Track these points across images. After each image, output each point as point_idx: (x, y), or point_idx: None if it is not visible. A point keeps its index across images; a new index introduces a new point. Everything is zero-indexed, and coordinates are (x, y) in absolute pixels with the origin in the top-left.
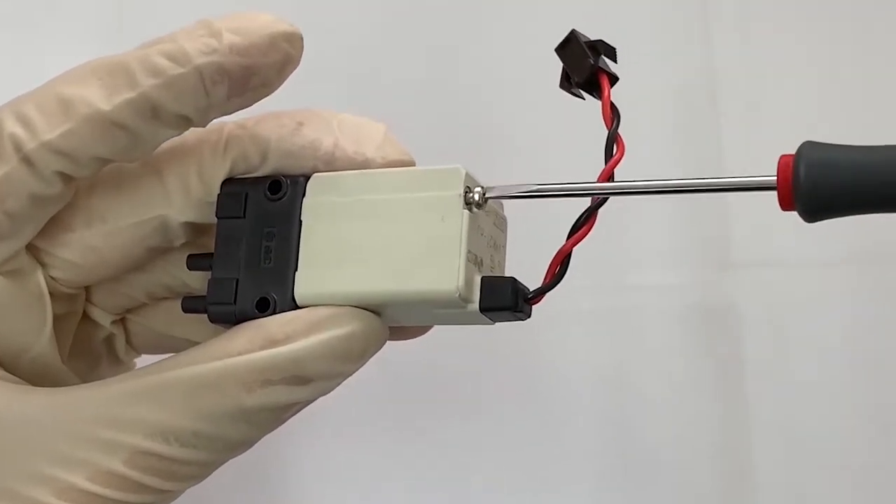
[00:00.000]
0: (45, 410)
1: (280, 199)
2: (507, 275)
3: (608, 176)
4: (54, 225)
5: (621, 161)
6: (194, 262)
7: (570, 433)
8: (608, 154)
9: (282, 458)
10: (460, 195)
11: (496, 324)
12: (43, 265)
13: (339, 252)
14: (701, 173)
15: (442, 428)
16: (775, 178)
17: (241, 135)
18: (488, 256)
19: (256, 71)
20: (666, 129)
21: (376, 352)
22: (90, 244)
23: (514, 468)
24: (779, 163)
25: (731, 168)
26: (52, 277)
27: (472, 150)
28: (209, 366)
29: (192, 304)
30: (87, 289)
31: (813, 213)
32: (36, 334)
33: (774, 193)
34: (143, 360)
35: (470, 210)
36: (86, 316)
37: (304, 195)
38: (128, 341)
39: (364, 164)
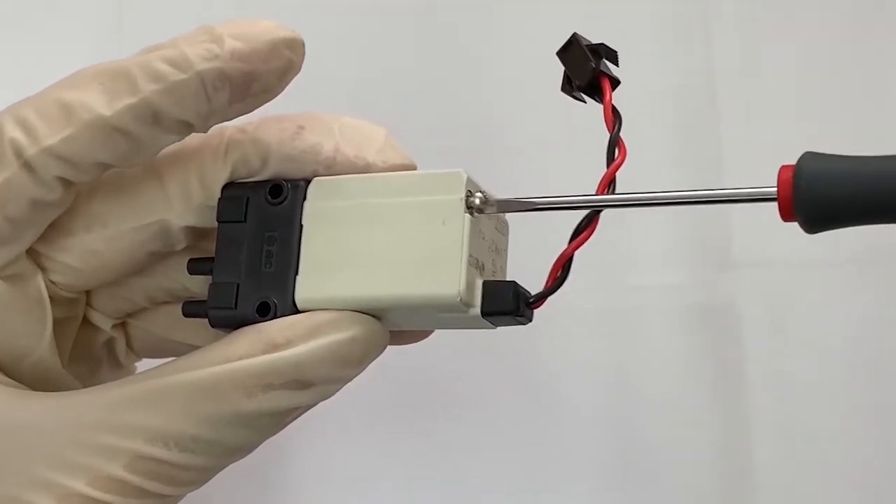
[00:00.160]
0: (46, 415)
1: (281, 203)
2: (508, 279)
3: (610, 180)
4: (54, 229)
5: (623, 165)
6: (195, 267)
7: (570, 433)
8: (610, 158)
9: (282, 458)
10: (462, 199)
11: (498, 328)
12: (43, 269)
13: (340, 256)
14: (701, 174)
15: (442, 429)
16: (775, 189)
17: (242, 139)
18: (490, 260)
19: (258, 77)
20: (666, 130)
21: (377, 356)
22: (91, 248)
23: (514, 468)
24: (779, 174)
25: (731, 168)
26: (52, 282)
27: (474, 154)
28: (209, 370)
29: (192, 308)
30: (88, 293)
31: (814, 224)
32: (36, 339)
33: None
34: (144, 364)
35: (471, 214)
36: (86, 320)
37: (304, 199)
38: (128, 345)
39: (365, 169)
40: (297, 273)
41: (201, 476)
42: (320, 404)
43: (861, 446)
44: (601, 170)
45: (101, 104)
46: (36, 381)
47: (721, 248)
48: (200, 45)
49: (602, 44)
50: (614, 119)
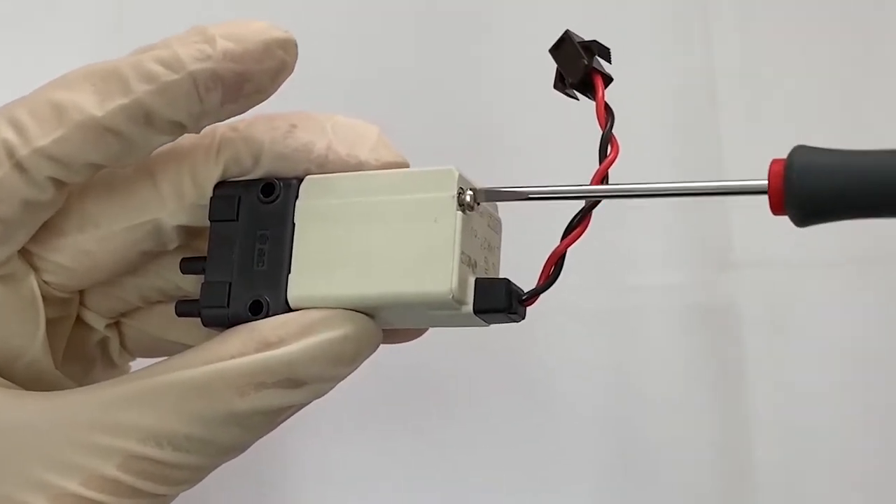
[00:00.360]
0: (39, 415)
1: (273, 201)
2: (501, 276)
3: (602, 177)
4: (47, 229)
5: (615, 162)
6: (187, 266)
7: (569, 433)
8: (602, 155)
9: (280, 458)
10: (454, 196)
11: (491, 325)
12: (36, 269)
13: (333, 254)
14: (700, 174)
15: (441, 428)
16: (766, 182)
17: (234, 137)
18: (482, 258)
19: (250, 77)
20: (665, 129)
21: (370, 355)
22: (83, 248)
23: (513, 468)
24: (770, 168)
25: (731, 168)
26: (45, 282)
27: (473, 154)
28: (202, 369)
29: (185, 307)
30: (81, 293)
31: (804, 218)
32: (29, 339)
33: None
34: (138, 364)
35: (463, 211)
36: (80, 320)
37: (297, 197)
38: (122, 345)
39: (357, 167)
40: (289, 271)
41: (195, 475)
42: (317, 403)
43: (861, 446)
44: (596, 167)
45: (92, 105)
46: (29, 380)
47: (721, 248)
48: (193, 45)
49: (594, 41)
50: (607, 116)
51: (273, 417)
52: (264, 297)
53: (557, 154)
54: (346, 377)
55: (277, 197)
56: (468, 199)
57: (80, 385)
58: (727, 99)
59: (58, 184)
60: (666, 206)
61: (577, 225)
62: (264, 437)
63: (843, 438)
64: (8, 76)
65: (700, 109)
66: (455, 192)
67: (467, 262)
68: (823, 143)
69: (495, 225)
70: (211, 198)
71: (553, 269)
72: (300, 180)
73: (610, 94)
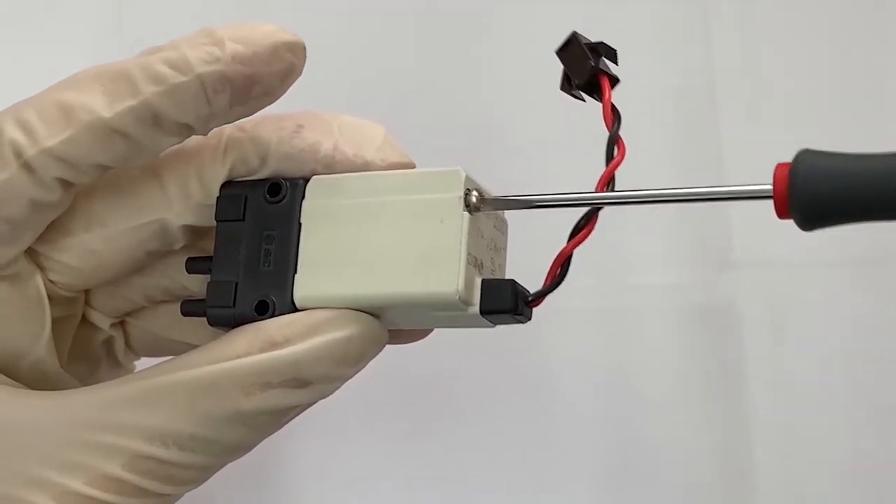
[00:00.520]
0: (44, 414)
1: (279, 201)
2: (507, 277)
3: (609, 178)
4: (53, 229)
5: (622, 164)
6: (193, 266)
7: (569, 433)
8: (609, 156)
9: (282, 457)
10: (460, 197)
11: (497, 326)
12: (42, 269)
13: (339, 255)
14: (701, 174)
15: (441, 428)
16: (771, 186)
17: (241, 137)
18: (489, 259)
19: (259, 80)
20: (666, 130)
21: (375, 355)
22: (89, 248)
23: (513, 468)
24: (775, 172)
25: (731, 169)
26: (50, 281)
27: (473, 154)
28: (208, 369)
29: (191, 307)
30: (87, 292)
31: (810, 222)
32: (35, 338)
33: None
34: (143, 364)
35: (470, 212)
36: (85, 319)
37: (303, 198)
38: (127, 344)
39: (364, 167)
40: (295, 272)
41: (200, 475)
42: (320, 403)
43: (861, 446)
44: (601, 169)
45: (101, 106)
46: (35, 380)
47: (721, 248)
48: (201, 47)
49: (601, 42)
50: (613, 117)
51: (279, 417)
52: (270, 297)
53: (558, 154)
54: (351, 377)
55: (284, 197)
56: (474, 199)
57: (86, 384)
58: (727, 99)
59: (65, 184)
60: (666, 206)
61: (584, 226)
62: (269, 437)
63: (843, 438)
64: (8, 76)
65: (700, 109)
66: (462, 193)
67: (474, 262)
68: (823, 144)
69: (501, 226)
70: (217, 198)
71: (559, 270)
72: (306, 180)
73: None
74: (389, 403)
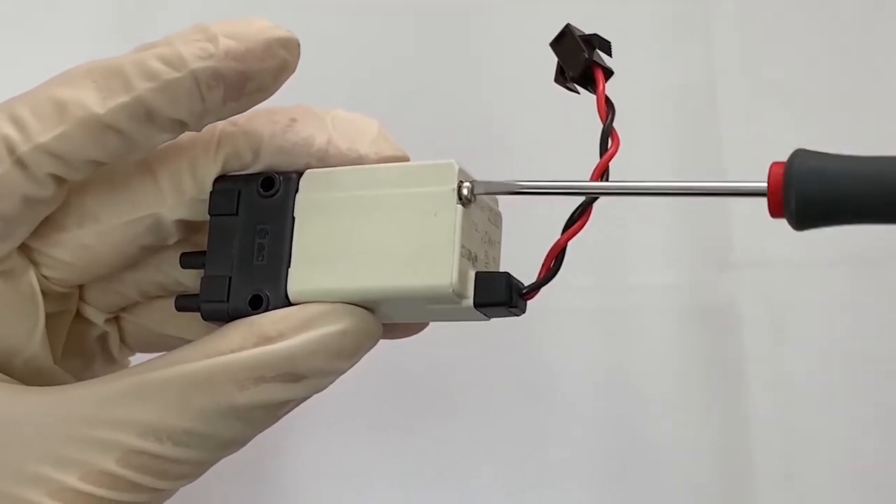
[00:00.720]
0: (38, 410)
1: (273, 195)
2: (501, 270)
3: (603, 170)
4: (47, 225)
5: (616, 155)
6: (187, 260)
7: (569, 433)
8: (603, 148)
9: (278, 454)
10: (454, 190)
11: (495, 322)
12: (35, 264)
13: (333, 248)
14: (700, 173)
15: (439, 426)
16: (766, 184)
17: (234, 132)
18: (483, 252)
19: (252, 76)
20: (665, 129)
21: (370, 349)
22: (83, 243)
23: (512, 467)
24: (770, 170)
25: (731, 168)
26: (44, 276)
27: (468, 151)
28: (202, 364)
29: (185, 302)
30: (81, 287)
31: (803, 222)
32: (28, 334)
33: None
34: (138, 359)
35: (464, 205)
36: (79, 314)
37: (297, 191)
38: (122, 340)
39: (358, 161)
40: (289, 266)
41: (194, 470)
42: (315, 399)
43: (861, 446)
44: (596, 162)
45: (94, 102)
46: (29, 376)
47: (721, 248)
48: (195, 43)
49: (595, 34)
50: (607, 109)
51: (273, 411)
52: (264, 292)
53: (557, 154)
54: (345, 371)
55: (277, 191)
56: (466, 192)
57: (80, 380)
58: (727, 99)
59: (58, 180)
60: (666, 205)
61: (578, 219)
62: (264, 433)
63: (843, 438)
64: (8, 76)
65: (700, 109)
66: (455, 186)
67: (468, 255)
68: (823, 144)
69: (496, 219)
70: (211, 192)
71: (553, 262)
72: (300, 174)
73: (610, 94)
74: (385, 399)
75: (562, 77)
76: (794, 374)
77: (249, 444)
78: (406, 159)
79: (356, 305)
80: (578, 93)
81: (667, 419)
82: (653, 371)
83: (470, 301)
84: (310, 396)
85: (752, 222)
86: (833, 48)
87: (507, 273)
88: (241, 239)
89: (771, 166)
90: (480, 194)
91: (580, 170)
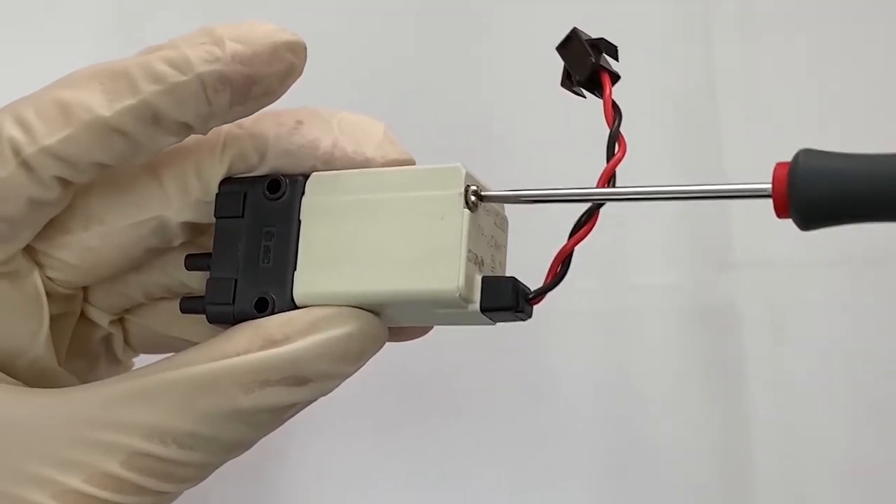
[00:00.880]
0: (42, 412)
1: (279, 198)
2: (507, 275)
3: (609, 175)
4: (52, 227)
5: (623, 160)
6: (193, 263)
7: (569, 433)
8: (610, 153)
9: (282, 455)
10: (461, 194)
11: (498, 325)
12: (40, 266)
13: (339, 252)
14: (700, 174)
15: (443, 427)
16: (770, 185)
17: (240, 134)
18: (489, 256)
19: (259, 80)
20: (666, 130)
21: (375, 352)
22: (88, 245)
23: (513, 467)
24: (774, 171)
25: (731, 168)
26: (49, 278)
27: (468, 151)
28: (207, 366)
29: (190, 304)
30: (85, 289)
31: (808, 221)
32: (33, 336)
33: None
34: (142, 361)
35: (471, 209)
36: (84, 316)
37: (303, 194)
38: (126, 341)
39: (363, 164)
40: (295, 268)
41: (199, 472)
42: (319, 401)
43: (861, 446)
44: (602, 166)
45: (100, 104)
46: (33, 377)
47: (721, 248)
48: (201, 46)
49: (602, 38)
50: (614, 114)
51: (278, 415)
52: (270, 294)
53: (558, 154)
54: (351, 375)
55: (283, 194)
56: (474, 196)
57: (84, 382)
58: (727, 99)
59: (64, 183)
60: (666, 206)
61: (585, 223)
62: (268, 435)
63: (843, 438)
64: (8, 76)
65: (700, 109)
66: (462, 190)
67: (474, 260)
68: (823, 144)
69: (502, 223)
70: (216, 194)
71: (560, 267)
72: (306, 177)
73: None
74: (389, 401)
75: (568, 81)
76: (794, 374)
77: (253, 446)
78: (412, 162)
79: (362, 309)
80: (585, 97)
81: (667, 419)
82: (653, 371)
83: (476, 306)
84: (315, 400)
85: (752, 222)
86: (833, 48)
87: (514, 278)
88: (247, 241)
89: (775, 167)
90: (489, 201)
91: (580, 170)
